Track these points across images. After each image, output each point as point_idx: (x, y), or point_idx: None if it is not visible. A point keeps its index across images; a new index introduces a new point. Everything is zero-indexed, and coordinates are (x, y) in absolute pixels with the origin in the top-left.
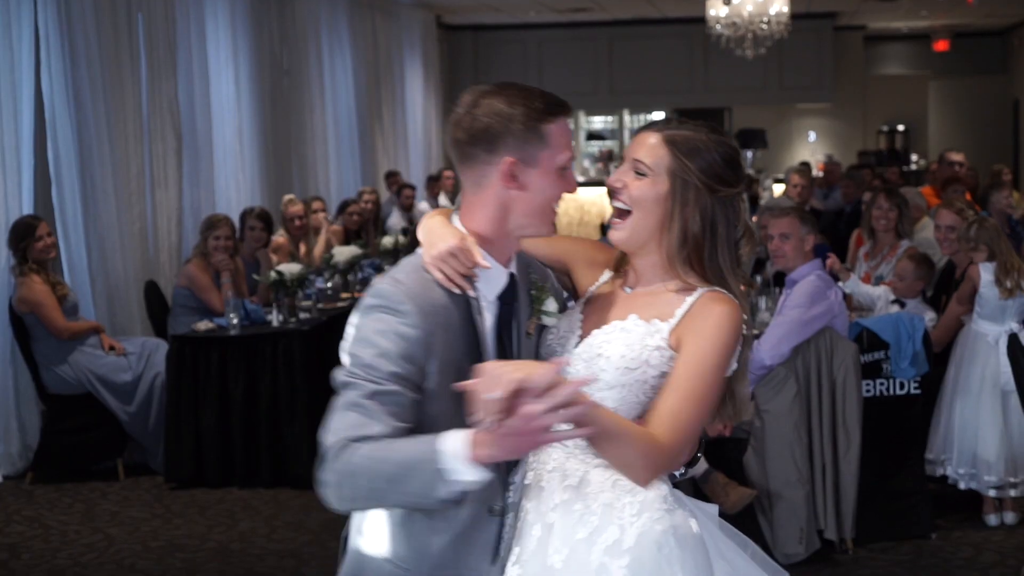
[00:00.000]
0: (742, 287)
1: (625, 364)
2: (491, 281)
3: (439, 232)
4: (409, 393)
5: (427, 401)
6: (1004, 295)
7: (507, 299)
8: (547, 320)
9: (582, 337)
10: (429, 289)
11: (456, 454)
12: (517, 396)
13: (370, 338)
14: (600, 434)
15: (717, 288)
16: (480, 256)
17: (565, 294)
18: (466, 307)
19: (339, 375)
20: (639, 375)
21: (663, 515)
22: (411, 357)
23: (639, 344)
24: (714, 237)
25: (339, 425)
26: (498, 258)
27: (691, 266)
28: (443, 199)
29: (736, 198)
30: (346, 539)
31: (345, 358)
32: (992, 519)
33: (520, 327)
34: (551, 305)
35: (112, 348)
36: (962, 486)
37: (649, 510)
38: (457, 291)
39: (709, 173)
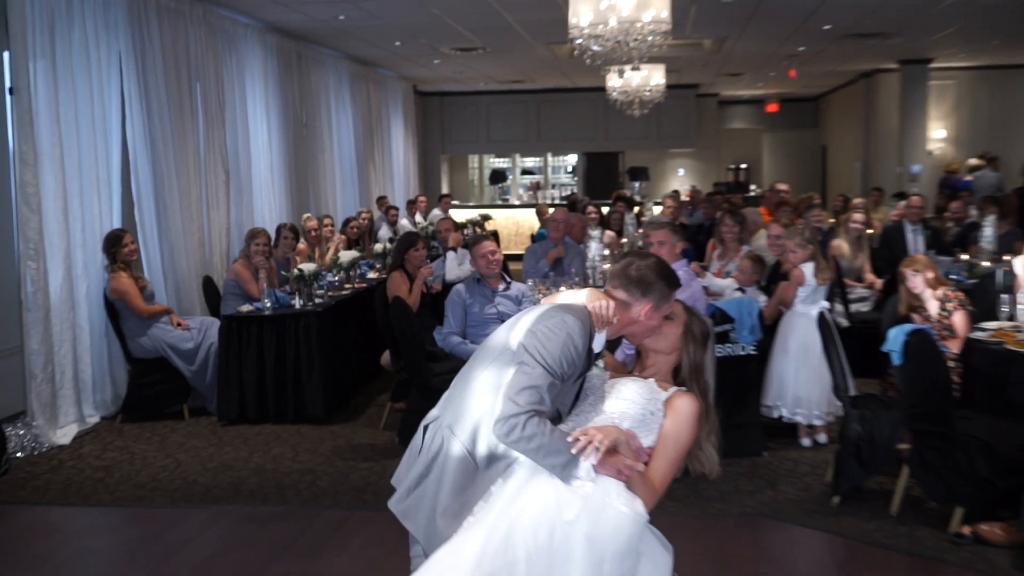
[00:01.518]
0: None
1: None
2: (598, 343)
3: (599, 303)
4: (559, 384)
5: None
6: (822, 282)
7: (595, 354)
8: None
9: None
10: (588, 333)
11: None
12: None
13: (558, 348)
14: (636, 479)
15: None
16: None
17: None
18: (589, 352)
19: (524, 358)
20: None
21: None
22: (573, 366)
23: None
24: None
25: (525, 399)
26: (608, 335)
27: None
28: (419, 217)
29: None
30: (426, 428)
31: (534, 350)
32: (806, 441)
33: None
34: (600, 364)
35: (179, 324)
36: (785, 419)
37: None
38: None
39: None
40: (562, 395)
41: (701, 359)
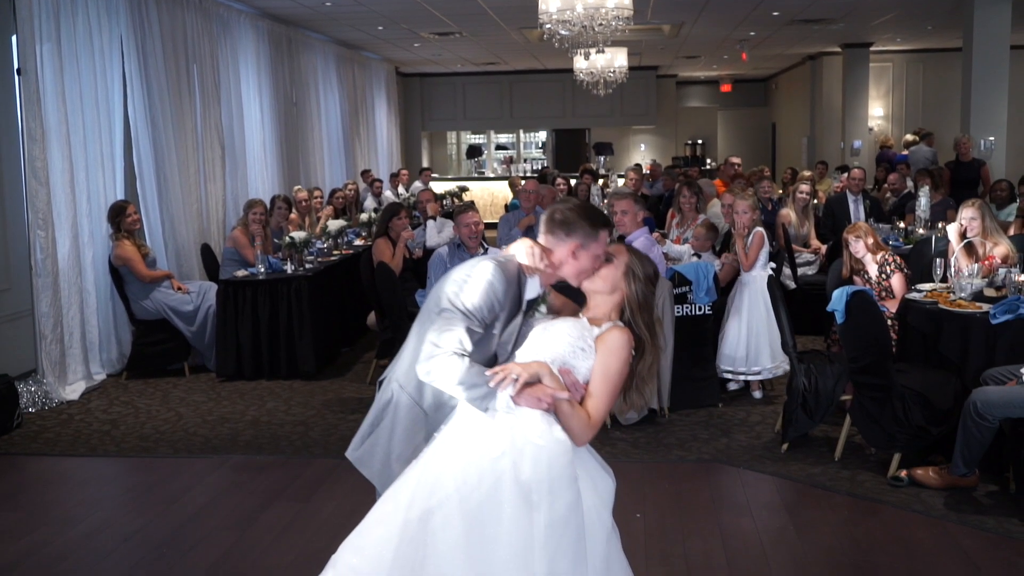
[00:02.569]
0: None
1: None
2: (531, 290)
3: (525, 249)
4: (480, 330)
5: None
6: (772, 249)
7: (533, 301)
8: (538, 315)
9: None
10: (512, 279)
11: (503, 396)
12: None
13: (477, 294)
14: (565, 409)
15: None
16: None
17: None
18: (519, 296)
19: (445, 305)
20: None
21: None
22: (494, 312)
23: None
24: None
25: (444, 341)
26: (543, 281)
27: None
28: (401, 189)
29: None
30: (381, 383)
31: (455, 297)
32: (757, 394)
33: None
34: (543, 309)
35: (179, 288)
36: (742, 373)
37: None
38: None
39: None
40: (489, 342)
41: (644, 296)
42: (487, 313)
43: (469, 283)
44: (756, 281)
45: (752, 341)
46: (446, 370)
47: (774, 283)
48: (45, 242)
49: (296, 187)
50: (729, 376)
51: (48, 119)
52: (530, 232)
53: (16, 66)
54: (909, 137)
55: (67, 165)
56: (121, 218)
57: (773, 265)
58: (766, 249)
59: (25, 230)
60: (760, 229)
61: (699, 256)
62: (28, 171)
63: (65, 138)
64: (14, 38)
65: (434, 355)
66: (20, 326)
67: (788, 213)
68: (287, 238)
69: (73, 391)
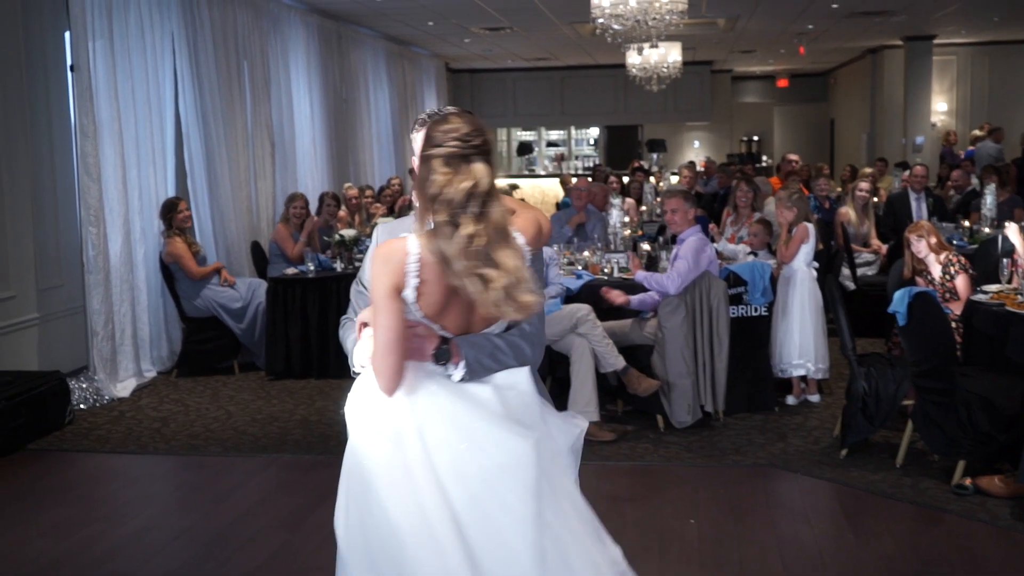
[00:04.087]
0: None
1: None
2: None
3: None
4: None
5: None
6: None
7: None
8: None
9: None
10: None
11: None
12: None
13: (367, 264)
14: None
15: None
16: None
17: None
18: None
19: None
20: None
21: None
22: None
23: None
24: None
25: (349, 310)
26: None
27: None
28: None
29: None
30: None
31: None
32: (814, 397)
33: None
34: None
35: (226, 281)
36: (796, 375)
37: None
38: None
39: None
40: None
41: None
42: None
43: (367, 259)
44: (796, 276)
45: (804, 341)
46: (341, 333)
47: (833, 284)
48: (97, 239)
49: (346, 184)
50: (787, 369)
51: (100, 115)
52: (581, 230)
53: (69, 63)
54: (976, 132)
55: (119, 161)
56: (173, 215)
57: (816, 265)
58: (810, 246)
59: (77, 226)
60: (807, 223)
61: (755, 255)
62: (80, 167)
63: (117, 134)
64: (67, 35)
65: (343, 324)
66: (72, 323)
67: (847, 212)
68: (336, 236)
69: (124, 388)
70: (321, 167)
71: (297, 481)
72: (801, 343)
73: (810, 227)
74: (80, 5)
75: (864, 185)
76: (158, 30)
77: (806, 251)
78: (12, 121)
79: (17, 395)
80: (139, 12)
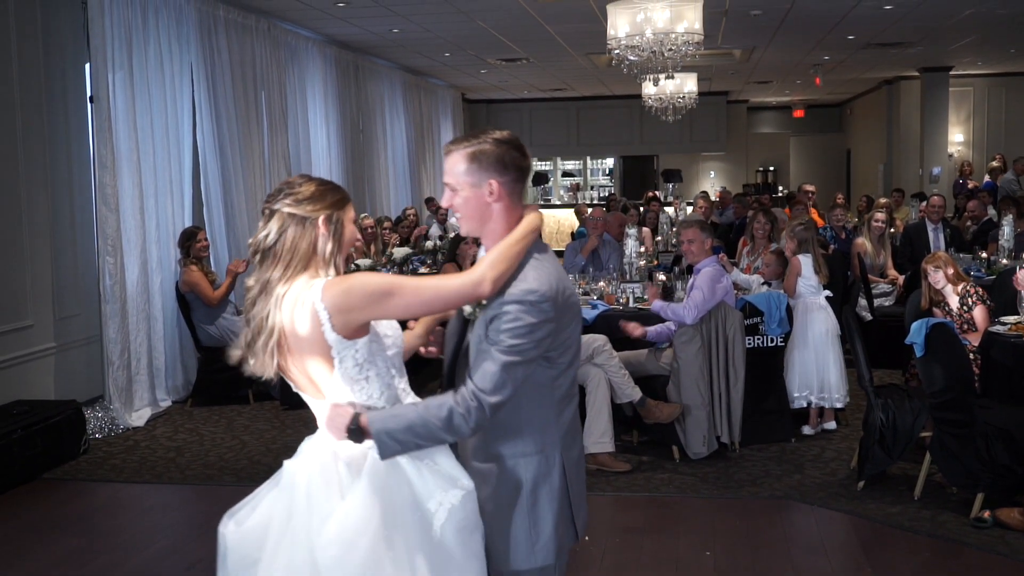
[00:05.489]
0: None
1: None
2: None
3: None
4: None
5: None
6: (823, 280)
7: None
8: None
9: None
10: None
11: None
12: None
13: None
14: None
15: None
16: None
17: None
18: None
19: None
20: None
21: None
22: None
23: None
24: None
25: None
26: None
27: None
28: None
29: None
30: None
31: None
32: (832, 425)
33: None
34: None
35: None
36: (813, 405)
37: None
38: None
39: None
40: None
41: None
42: None
43: None
44: (803, 306)
45: (820, 371)
46: None
47: (850, 314)
48: (114, 268)
49: (363, 214)
50: (800, 399)
51: (119, 146)
52: (596, 259)
53: (89, 94)
54: (994, 164)
55: (137, 192)
56: (191, 243)
57: (828, 294)
58: (805, 278)
59: (95, 256)
60: (799, 256)
61: (769, 285)
62: (99, 197)
63: (135, 165)
64: (87, 66)
65: None
66: (88, 352)
67: (863, 242)
68: (352, 265)
69: (139, 417)
70: None
71: None
72: (806, 373)
73: (802, 259)
74: (100, 37)
75: (880, 216)
76: (177, 61)
77: (803, 283)
78: (33, 152)
79: (33, 424)
80: (158, 44)
